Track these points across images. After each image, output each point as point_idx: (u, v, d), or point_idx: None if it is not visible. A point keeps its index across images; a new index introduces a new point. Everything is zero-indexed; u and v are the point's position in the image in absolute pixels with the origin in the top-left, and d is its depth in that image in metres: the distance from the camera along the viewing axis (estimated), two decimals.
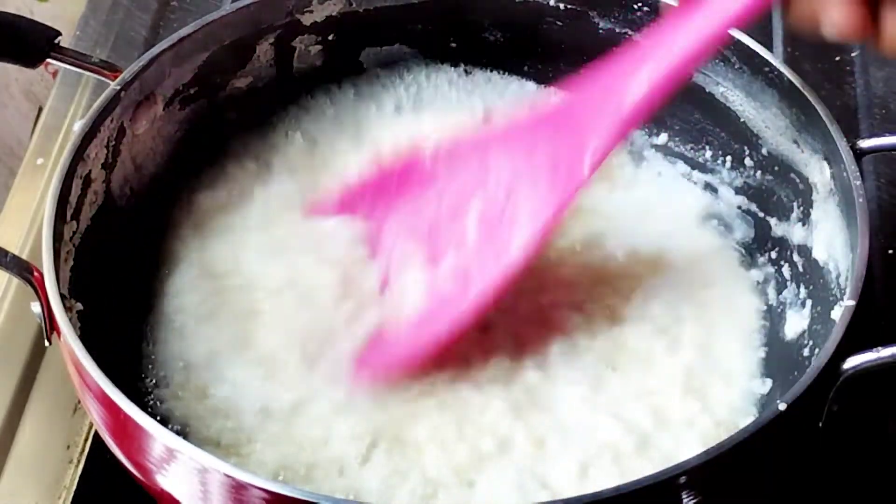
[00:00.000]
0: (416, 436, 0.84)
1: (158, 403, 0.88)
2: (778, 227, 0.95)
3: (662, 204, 1.00)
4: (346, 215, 0.79)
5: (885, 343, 0.77)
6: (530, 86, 1.05)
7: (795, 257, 0.93)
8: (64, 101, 1.17)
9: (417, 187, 0.80)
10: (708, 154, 1.00)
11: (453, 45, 1.04)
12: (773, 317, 0.93)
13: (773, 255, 0.95)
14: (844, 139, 0.85)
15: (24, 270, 0.81)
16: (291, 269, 0.93)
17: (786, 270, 0.94)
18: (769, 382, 0.89)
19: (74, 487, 0.91)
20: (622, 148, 1.03)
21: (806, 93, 0.88)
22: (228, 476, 0.70)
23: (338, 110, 1.04)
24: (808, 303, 0.91)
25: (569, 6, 0.99)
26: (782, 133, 0.92)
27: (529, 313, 0.91)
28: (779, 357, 0.91)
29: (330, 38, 1.01)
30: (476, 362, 0.87)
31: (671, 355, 0.90)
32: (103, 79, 0.92)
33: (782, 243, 0.94)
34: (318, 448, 0.84)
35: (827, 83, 1.15)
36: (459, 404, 0.85)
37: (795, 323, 0.91)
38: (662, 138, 1.02)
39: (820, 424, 0.80)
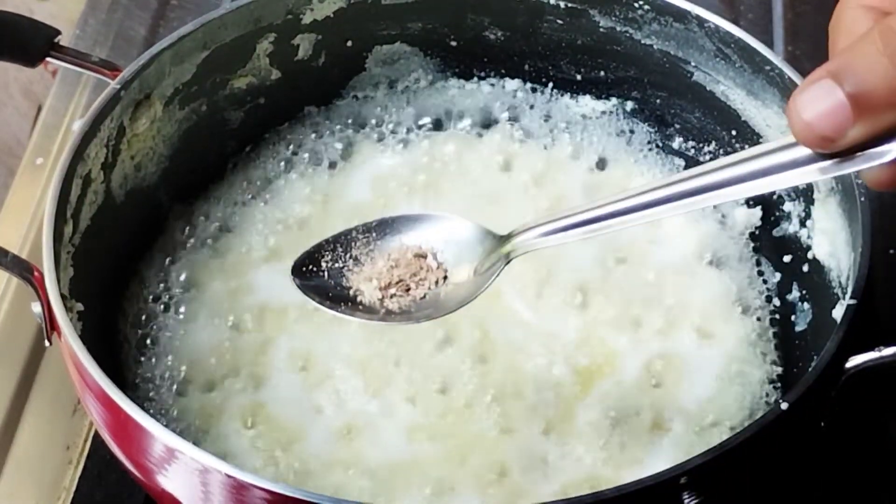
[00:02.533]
0: None
1: (159, 403, 0.88)
2: (779, 227, 0.95)
3: None
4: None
5: (887, 342, 0.77)
6: (530, 85, 1.05)
7: (796, 257, 0.93)
8: (63, 101, 1.17)
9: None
10: (709, 153, 1.00)
11: (453, 43, 1.04)
12: (774, 317, 0.93)
13: (774, 254, 0.95)
14: None
15: (24, 270, 0.80)
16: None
17: (787, 270, 0.94)
18: (773, 382, 0.89)
19: (74, 488, 0.91)
20: (621, 145, 1.03)
21: None
22: (229, 476, 0.69)
23: (338, 111, 1.05)
24: (810, 302, 0.91)
25: (569, 4, 0.99)
26: (783, 132, 0.92)
27: None
28: (781, 356, 0.91)
29: (330, 36, 1.01)
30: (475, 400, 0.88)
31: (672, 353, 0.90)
32: (103, 78, 0.92)
33: (783, 243, 0.94)
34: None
35: None
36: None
37: (797, 322, 0.91)
38: (663, 136, 1.02)
39: (822, 424, 0.80)
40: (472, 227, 0.80)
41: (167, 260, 0.96)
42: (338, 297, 0.78)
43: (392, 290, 0.78)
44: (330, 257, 0.80)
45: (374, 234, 0.81)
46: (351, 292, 0.79)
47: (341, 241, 0.81)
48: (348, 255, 0.80)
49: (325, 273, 0.80)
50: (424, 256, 0.80)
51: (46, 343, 0.82)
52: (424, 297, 0.78)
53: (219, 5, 1.15)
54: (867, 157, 0.60)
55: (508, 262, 0.77)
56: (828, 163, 0.62)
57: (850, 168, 0.61)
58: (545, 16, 1.00)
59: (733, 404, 0.88)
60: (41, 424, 0.95)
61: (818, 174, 0.63)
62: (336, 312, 0.77)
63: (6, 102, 1.57)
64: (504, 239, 0.77)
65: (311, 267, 0.80)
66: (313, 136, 1.03)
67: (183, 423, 0.87)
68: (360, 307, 0.78)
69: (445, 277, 0.79)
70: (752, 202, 0.97)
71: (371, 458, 0.84)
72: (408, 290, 0.78)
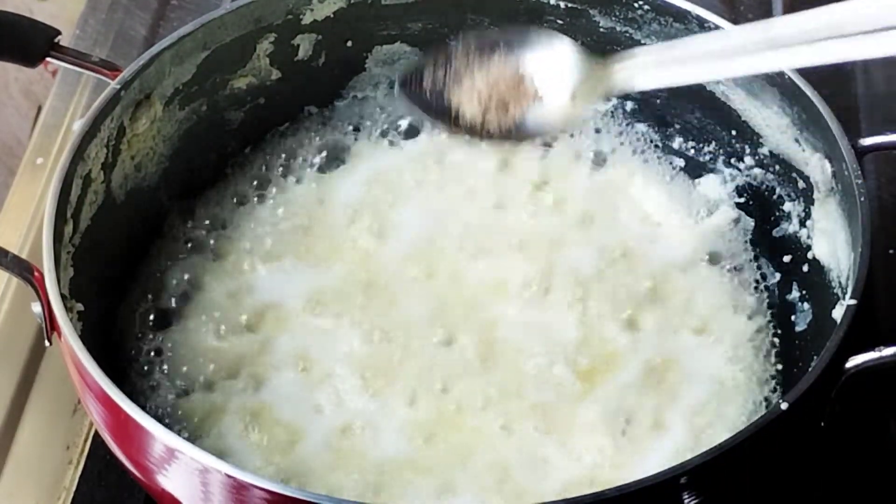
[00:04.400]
0: None
1: (159, 403, 0.88)
2: (779, 227, 0.95)
3: (662, 204, 1.00)
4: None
5: (887, 343, 0.77)
6: None
7: (796, 257, 0.93)
8: (63, 101, 1.17)
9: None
10: (708, 153, 1.00)
11: (454, 43, 1.04)
12: (774, 317, 0.93)
13: (774, 254, 0.95)
14: (846, 137, 0.85)
15: (25, 270, 0.81)
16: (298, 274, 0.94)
17: (787, 270, 0.94)
18: (773, 382, 0.89)
19: (74, 488, 0.91)
20: (621, 146, 1.03)
21: (807, 91, 0.88)
22: (229, 476, 0.70)
23: (338, 111, 1.05)
24: (810, 302, 0.91)
25: (569, 4, 0.99)
26: (783, 132, 0.92)
27: None
28: (781, 356, 0.91)
29: (330, 36, 1.01)
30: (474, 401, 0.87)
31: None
32: (103, 78, 0.92)
33: (783, 243, 0.94)
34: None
35: (828, 82, 1.15)
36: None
37: (797, 322, 0.91)
38: (663, 136, 1.02)
39: (822, 424, 0.80)
40: (572, 50, 0.81)
41: (167, 260, 0.96)
42: (440, 111, 0.82)
43: (492, 107, 0.81)
44: (432, 72, 0.83)
45: (474, 50, 0.83)
46: (453, 108, 0.81)
47: (442, 57, 0.83)
48: (450, 70, 0.83)
49: (428, 90, 0.83)
50: (523, 75, 0.81)
51: (46, 343, 0.82)
52: (523, 116, 0.80)
53: (219, 5, 1.16)
54: None
55: (608, 99, 0.81)
56: None
57: None
58: (545, 16, 1.00)
59: (733, 404, 0.87)
60: (41, 424, 0.95)
61: None
62: (441, 128, 0.82)
63: (6, 102, 1.57)
64: (606, 66, 0.79)
65: (414, 82, 0.83)
66: (313, 136, 1.03)
67: (183, 423, 0.87)
68: (463, 124, 0.81)
69: (541, 97, 0.81)
70: (742, 205, 0.98)
71: (371, 457, 0.84)
72: (507, 108, 0.81)
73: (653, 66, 0.76)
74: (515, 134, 0.80)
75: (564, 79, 0.80)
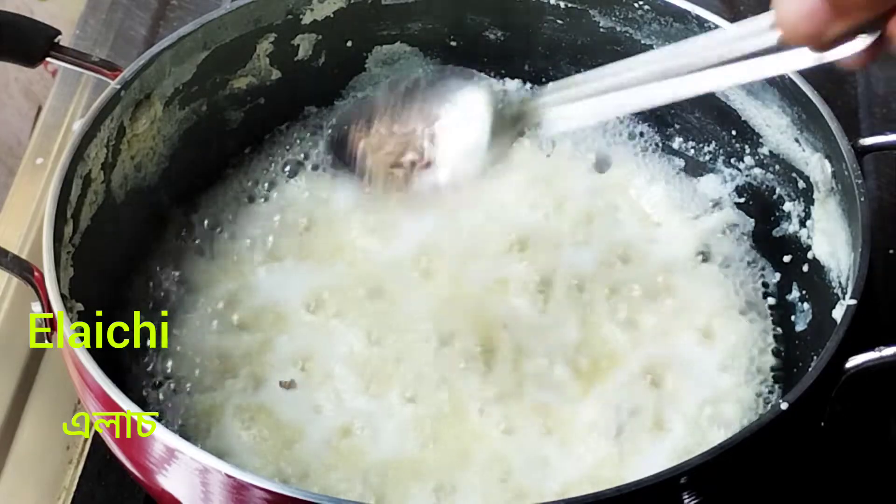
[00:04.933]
0: None
1: (159, 403, 0.88)
2: (779, 227, 0.95)
3: (661, 203, 1.00)
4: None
5: (887, 343, 0.77)
6: (530, 85, 1.05)
7: (796, 257, 0.93)
8: (63, 101, 1.17)
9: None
10: (708, 153, 1.00)
11: (453, 43, 1.04)
12: (774, 317, 0.93)
13: (774, 254, 0.95)
14: (846, 137, 0.85)
15: (25, 270, 0.81)
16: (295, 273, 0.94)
17: (787, 270, 0.94)
18: (773, 382, 0.89)
19: (74, 488, 0.91)
20: (621, 146, 1.03)
21: (807, 91, 0.88)
22: (229, 476, 0.70)
23: (338, 111, 1.05)
24: (810, 302, 0.91)
25: (570, 5, 0.99)
26: (783, 132, 0.92)
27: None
28: (781, 356, 0.91)
29: (330, 36, 1.01)
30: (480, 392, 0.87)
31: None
32: (103, 78, 0.92)
33: (783, 243, 0.94)
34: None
35: (828, 82, 1.14)
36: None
37: (797, 322, 0.91)
38: (663, 137, 1.02)
39: (822, 424, 0.80)
40: (483, 95, 0.80)
41: (167, 260, 0.96)
42: (362, 170, 0.81)
43: (406, 160, 0.80)
44: (353, 131, 0.81)
45: (391, 104, 0.81)
46: (371, 167, 0.81)
47: (364, 113, 0.82)
48: (368, 128, 0.81)
49: (350, 151, 0.81)
50: (433, 125, 0.80)
51: (46, 343, 0.82)
52: (436, 167, 0.79)
53: (219, 5, 1.16)
54: (845, 48, 0.67)
55: (521, 135, 0.79)
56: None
57: (831, 58, 0.68)
58: (545, 16, 1.00)
59: (733, 404, 0.87)
60: (41, 424, 0.95)
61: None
62: (363, 186, 0.80)
63: (6, 102, 1.57)
64: (519, 107, 0.78)
65: (340, 143, 0.82)
66: (313, 136, 1.03)
67: (183, 422, 0.87)
68: (380, 183, 0.80)
69: (453, 147, 0.79)
70: (742, 205, 0.98)
71: (371, 458, 0.84)
72: (424, 164, 0.80)
73: (562, 102, 0.76)
74: (433, 188, 0.79)
75: (477, 127, 0.79)
